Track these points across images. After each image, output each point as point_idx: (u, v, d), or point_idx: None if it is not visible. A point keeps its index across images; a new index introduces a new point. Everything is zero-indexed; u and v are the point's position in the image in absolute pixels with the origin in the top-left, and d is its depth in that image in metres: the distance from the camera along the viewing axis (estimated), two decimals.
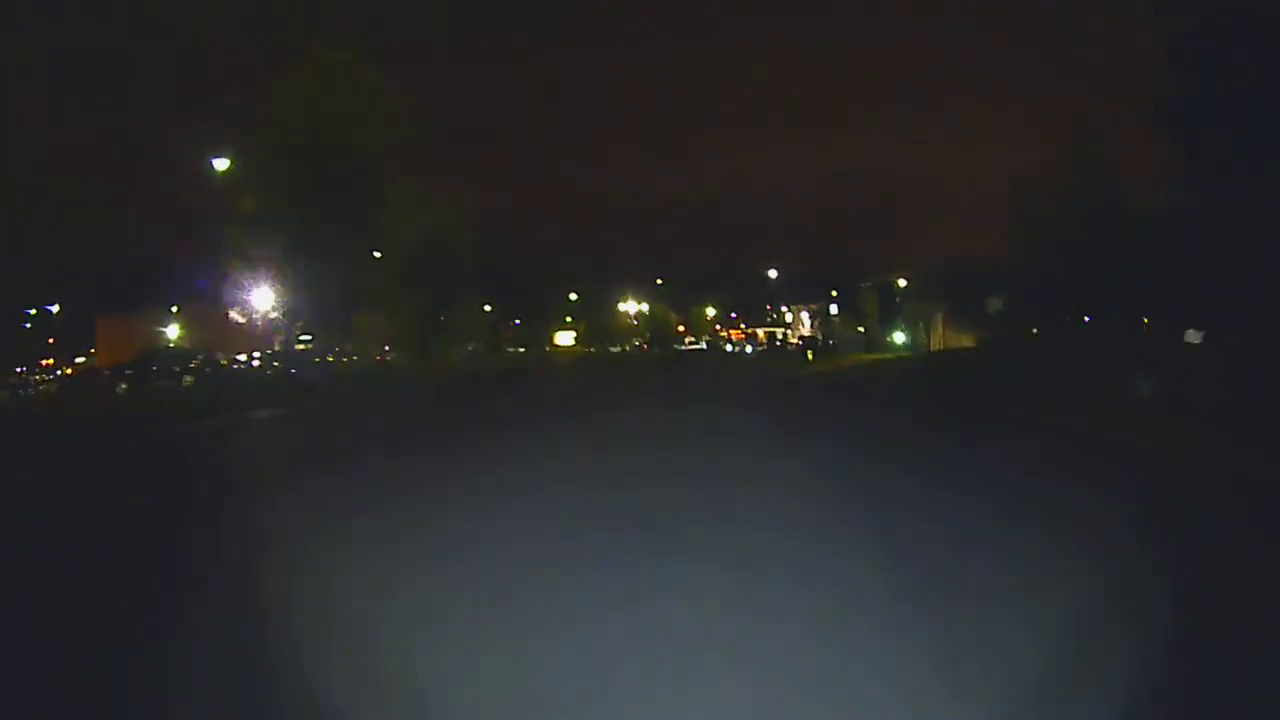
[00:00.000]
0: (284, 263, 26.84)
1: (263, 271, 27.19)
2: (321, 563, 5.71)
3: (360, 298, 31.33)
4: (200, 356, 36.16)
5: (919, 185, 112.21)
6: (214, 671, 3.96)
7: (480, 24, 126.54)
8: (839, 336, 52.62)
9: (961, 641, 3.88)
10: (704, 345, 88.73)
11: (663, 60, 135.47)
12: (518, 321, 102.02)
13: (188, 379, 28.76)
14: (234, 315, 28.85)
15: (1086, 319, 32.17)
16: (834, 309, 67.27)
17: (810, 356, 44.22)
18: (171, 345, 37.38)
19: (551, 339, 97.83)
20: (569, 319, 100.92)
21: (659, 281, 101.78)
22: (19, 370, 47.72)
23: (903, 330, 49.89)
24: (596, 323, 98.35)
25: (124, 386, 27.63)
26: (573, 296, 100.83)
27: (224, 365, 38.42)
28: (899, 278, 53.64)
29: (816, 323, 71.02)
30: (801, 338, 69.67)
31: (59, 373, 37.41)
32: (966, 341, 46.85)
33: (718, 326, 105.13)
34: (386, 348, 52.64)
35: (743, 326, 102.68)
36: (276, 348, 52.49)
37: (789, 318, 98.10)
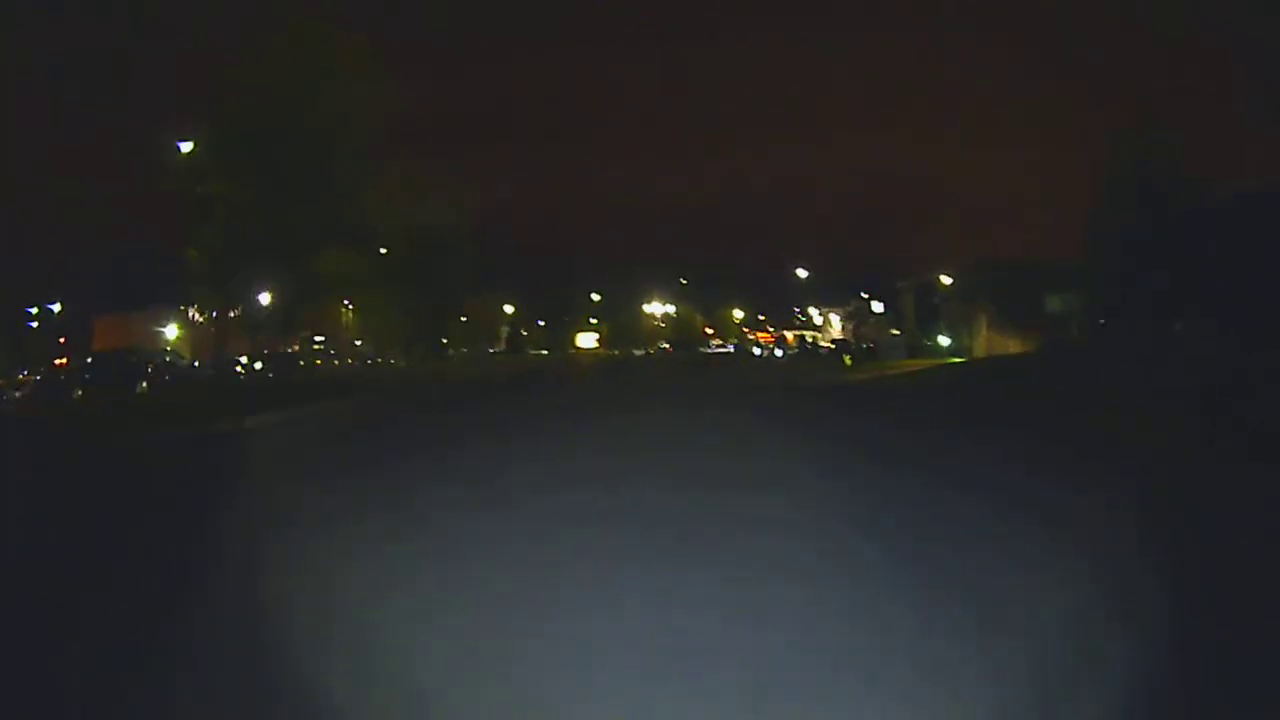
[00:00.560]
0: (244, 246, 24.35)
1: (226, 258, 24.79)
2: None
3: (330, 289, 29.03)
4: (161, 358, 33.81)
5: (945, 187, 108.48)
6: None
7: (480, 24, 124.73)
8: (881, 340, 48.74)
9: None
10: (731, 348, 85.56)
11: (667, 60, 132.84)
12: (541, 323, 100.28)
13: (143, 385, 26.32)
14: (193, 314, 26.78)
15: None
16: (878, 307, 62.64)
17: (848, 361, 40.81)
18: (129, 347, 35.05)
19: (573, 341, 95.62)
20: (594, 320, 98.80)
21: (683, 281, 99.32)
22: (23, 372, 46.08)
23: (946, 333, 46.43)
24: (621, 324, 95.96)
25: (79, 393, 25.32)
26: (595, 297, 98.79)
27: (196, 366, 35.80)
28: (942, 274, 50.06)
29: (851, 325, 67.32)
30: (834, 341, 66.38)
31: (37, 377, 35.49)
32: (1013, 346, 43.37)
33: (745, 329, 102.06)
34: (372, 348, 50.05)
35: (770, 329, 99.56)
36: (288, 348, 50.54)
37: (818, 320, 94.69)
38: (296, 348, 46.57)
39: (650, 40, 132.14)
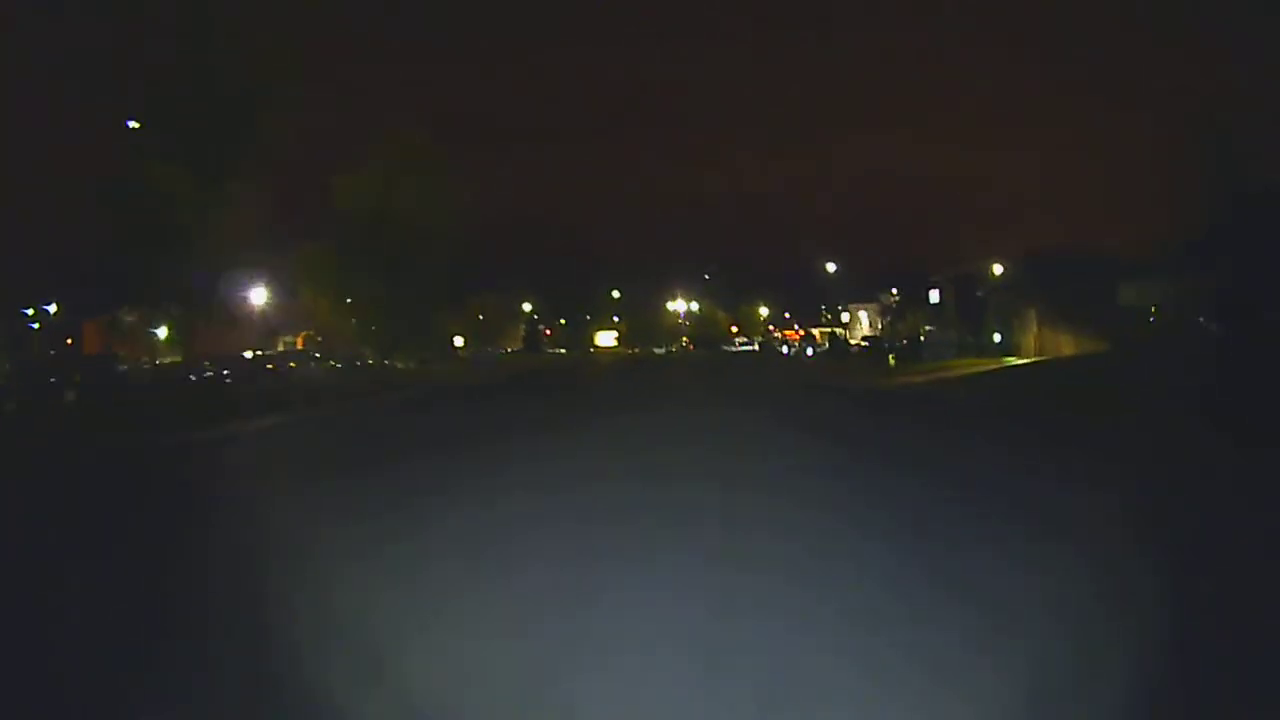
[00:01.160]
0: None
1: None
2: None
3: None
4: (112, 363, 31.12)
5: (969, 186, 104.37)
6: None
7: (481, 23, 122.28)
8: (926, 337, 44.31)
9: None
10: (756, 346, 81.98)
11: (708, 58, 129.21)
12: (562, 321, 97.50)
13: (69, 394, 23.61)
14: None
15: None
16: (936, 295, 54.27)
17: (893, 361, 36.91)
18: (52, 351, 32.35)
19: (592, 339, 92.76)
20: (616, 318, 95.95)
21: (706, 276, 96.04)
22: None
23: (997, 329, 42.54)
24: (641, 322, 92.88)
25: (12, 405, 22.57)
26: (615, 294, 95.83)
27: (148, 368, 32.66)
28: (992, 264, 45.95)
29: (888, 319, 63.21)
30: (865, 338, 62.71)
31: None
32: (1065, 343, 39.49)
33: (770, 327, 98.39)
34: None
35: (796, 326, 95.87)
36: (295, 349, 47.87)
37: (845, 317, 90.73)
38: (298, 347, 44.05)
39: (680, 38, 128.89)
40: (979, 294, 48.41)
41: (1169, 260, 27.73)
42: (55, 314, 51.15)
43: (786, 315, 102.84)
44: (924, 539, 5.92)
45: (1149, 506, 6.98)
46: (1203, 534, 6.15)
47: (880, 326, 71.17)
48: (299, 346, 46.24)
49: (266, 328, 36.97)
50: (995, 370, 29.14)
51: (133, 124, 21.81)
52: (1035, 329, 44.30)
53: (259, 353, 39.36)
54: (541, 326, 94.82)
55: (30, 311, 52.32)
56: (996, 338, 41.30)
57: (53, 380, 24.81)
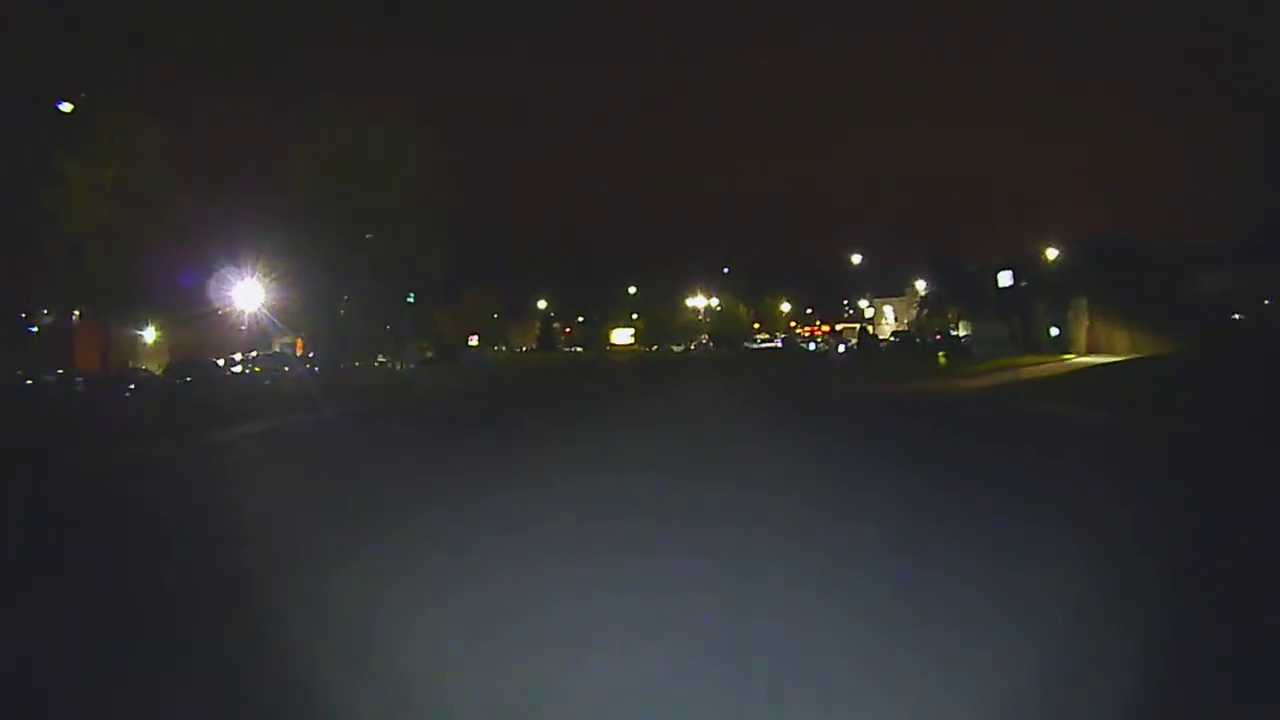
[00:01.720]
0: None
1: None
2: None
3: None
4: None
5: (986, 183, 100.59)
6: None
7: (482, 23, 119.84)
8: (977, 332, 39.88)
9: None
10: (779, 343, 78.50)
11: (734, 55, 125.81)
12: (580, 319, 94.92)
13: None
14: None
15: None
16: (1007, 277, 45.01)
17: (942, 361, 33.09)
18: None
19: (608, 337, 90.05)
20: (634, 316, 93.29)
21: (725, 270, 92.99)
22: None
23: (1053, 324, 38.98)
24: (658, 319, 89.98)
25: None
26: (631, 290, 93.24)
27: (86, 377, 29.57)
28: (1046, 248, 42.00)
29: (924, 312, 59.53)
30: (895, 333, 59.29)
31: None
32: (1118, 338, 35.82)
33: (793, 323, 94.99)
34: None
35: (818, 322, 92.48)
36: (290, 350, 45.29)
37: (869, 312, 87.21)
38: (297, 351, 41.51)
39: (701, 37, 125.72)
40: (1023, 284, 44.70)
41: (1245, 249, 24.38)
42: (45, 315, 48.93)
43: (809, 311, 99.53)
44: None
45: None
46: None
47: (908, 322, 67.57)
48: (298, 350, 43.64)
49: (258, 329, 34.48)
50: (1071, 371, 25.59)
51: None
52: (1087, 322, 40.41)
53: (243, 356, 36.84)
54: (558, 325, 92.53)
55: None
56: (1054, 331, 37.70)
57: None
